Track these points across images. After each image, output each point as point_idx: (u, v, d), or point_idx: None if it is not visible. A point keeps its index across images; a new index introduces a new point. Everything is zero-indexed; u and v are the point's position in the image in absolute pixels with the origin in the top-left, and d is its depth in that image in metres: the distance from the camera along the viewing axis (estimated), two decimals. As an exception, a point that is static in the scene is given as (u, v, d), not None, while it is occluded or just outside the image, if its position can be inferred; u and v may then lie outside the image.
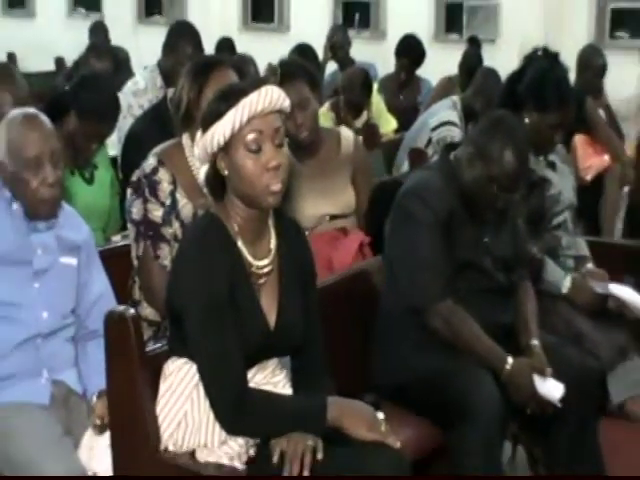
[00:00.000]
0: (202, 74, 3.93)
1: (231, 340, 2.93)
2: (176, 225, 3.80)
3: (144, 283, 3.86)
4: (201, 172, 3.07)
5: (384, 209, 4.18)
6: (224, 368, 2.93)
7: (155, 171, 3.84)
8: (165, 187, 3.81)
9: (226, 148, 2.92)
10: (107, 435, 3.15)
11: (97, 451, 3.20)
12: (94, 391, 3.39)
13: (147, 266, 3.81)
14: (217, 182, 3.00)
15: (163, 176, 3.82)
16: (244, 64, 6.40)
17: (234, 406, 2.92)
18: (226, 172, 2.95)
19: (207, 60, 4.30)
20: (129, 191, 3.90)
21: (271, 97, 2.91)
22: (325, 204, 4.57)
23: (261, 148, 2.89)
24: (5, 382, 3.36)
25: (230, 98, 2.92)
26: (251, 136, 2.88)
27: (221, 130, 2.89)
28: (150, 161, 3.87)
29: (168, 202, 3.81)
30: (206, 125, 2.95)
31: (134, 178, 3.89)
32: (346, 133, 4.95)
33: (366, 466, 2.90)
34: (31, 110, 3.50)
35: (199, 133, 3.01)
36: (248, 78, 4.68)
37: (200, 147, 3.00)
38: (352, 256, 4.44)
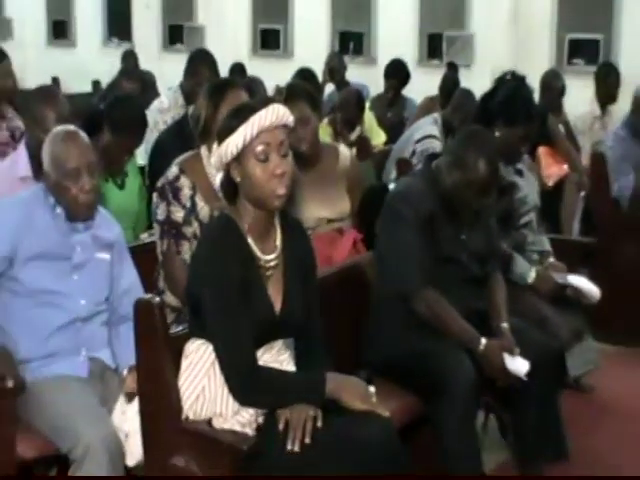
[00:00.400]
0: (218, 94, 4.00)
1: (242, 324, 2.99)
2: (195, 225, 3.86)
3: (167, 275, 3.93)
4: (217, 179, 3.16)
5: (374, 210, 4.25)
6: (236, 348, 3.00)
7: (177, 178, 3.91)
8: (186, 192, 3.88)
9: (238, 158, 3.00)
10: (135, 402, 3.21)
11: (128, 415, 3.25)
12: (125, 366, 3.47)
13: (170, 260, 3.88)
14: (230, 187, 3.08)
15: (184, 183, 3.90)
16: (254, 85, 6.38)
17: (245, 381, 3.00)
18: (238, 179, 3.03)
19: (222, 82, 4.37)
20: (155, 195, 3.97)
21: (277, 114, 2.99)
22: (323, 209, 4.58)
23: (269, 158, 2.97)
24: (50, 359, 3.43)
25: (242, 115, 3.00)
26: (260, 147, 2.97)
27: (234, 142, 2.97)
28: (173, 169, 3.95)
29: (188, 205, 3.87)
30: (221, 138, 3.03)
31: (159, 184, 3.96)
32: (344, 150, 4.97)
33: (359, 432, 2.97)
34: (71, 127, 3.57)
35: (215, 145, 3.09)
36: (257, 98, 4.75)
37: (216, 157, 3.08)
38: (348, 252, 4.47)
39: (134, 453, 3.21)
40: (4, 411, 3.32)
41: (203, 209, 3.89)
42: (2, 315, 3.47)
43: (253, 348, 3.06)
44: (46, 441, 3.34)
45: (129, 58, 9.91)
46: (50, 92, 4.97)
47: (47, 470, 3.84)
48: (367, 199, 4.74)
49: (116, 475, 3.24)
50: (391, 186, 5.17)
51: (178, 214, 3.89)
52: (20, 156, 4.63)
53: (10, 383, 3.28)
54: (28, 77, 9.30)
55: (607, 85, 7.41)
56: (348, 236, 4.59)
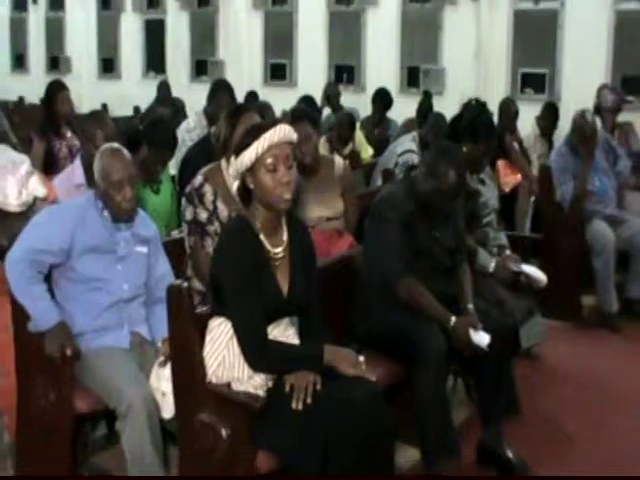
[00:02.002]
0: (235, 117, 3.98)
1: (255, 305, 2.99)
2: (216, 224, 3.84)
3: (194, 265, 3.91)
4: (234, 186, 3.12)
5: (363, 213, 4.35)
6: (250, 324, 3.00)
7: (202, 185, 3.89)
8: (209, 197, 3.86)
9: (252, 169, 2.99)
10: (168, 366, 3.21)
11: (163, 377, 3.24)
12: (160, 339, 3.45)
13: (196, 253, 3.87)
14: (245, 193, 3.06)
15: (207, 189, 3.88)
16: (265, 109, 6.28)
17: (257, 351, 3.00)
18: (252, 186, 3.02)
19: (238, 107, 4.33)
20: (184, 200, 3.96)
21: (284, 132, 2.99)
22: (322, 209, 4.58)
23: (277, 168, 2.96)
24: (99, 332, 3.44)
25: (255, 133, 3.00)
26: (269, 160, 2.96)
27: (248, 156, 2.97)
28: (198, 178, 3.93)
29: (211, 208, 3.85)
30: (237, 152, 3.02)
31: (187, 190, 3.94)
32: (338, 160, 4.97)
33: (351, 394, 2.97)
34: (116, 145, 3.55)
35: (233, 158, 3.08)
36: (267, 119, 4.77)
37: (233, 168, 3.08)
38: (343, 249, 4.44)
39: (169, 408, 3.21)
40: (64, 374, 3.33)
41: (223, 211, 3.86)
42: (62, 297, 3.45)
43: (264, 325, 3.05)
44: (97, 399, 3.34)
45: (163, 88, 9.89)
46: (100, 116, 5.13)
47: (95, 423, 3.87)
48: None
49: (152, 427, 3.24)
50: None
51: (203, 215, 3.87)
52: (76, 168, 4.65)
53: (69, 351, 3.30)
54: (83, 104, 9.32)
55: (548, 121, 7.45)
56: (345, 240, 4.57)
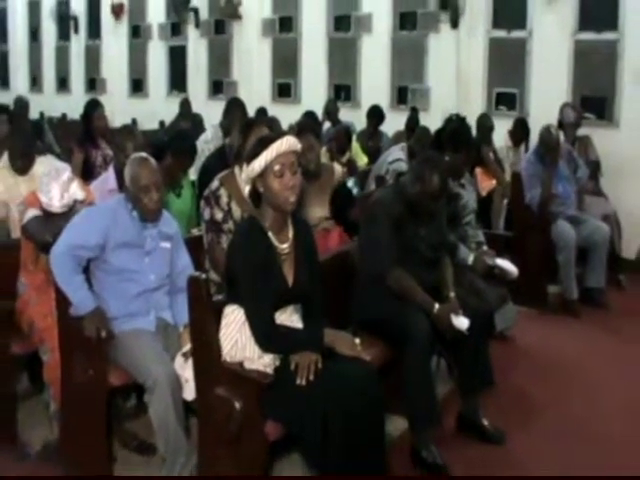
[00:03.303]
0: (246, 130, 4.01)
1: (264, 293, 2.97)
2: (230, 223, 3.84)
3: (211, 258, 3.91)
4: (246, 190, 3.10)
5: (342, 202, 4.55)
6: (260, 310, 2.99)
7: (218, 189, 3.90)
8: (224, 199, 3.87)
9: (261, 175, 2.97)
10: (190, 362, 3.16)
11: (186, 366, 3.20)
12: (181, 324, 3.45)
13: (213, 248, 3.87)
14: (256, 196, 3.04)
15: (223, 193, 3.89)
16: (273, 123, 6.38)
17: (266, 334, 2.99)
18: (261, 190, 3.00)
19: (249, 121, 4.35)
20: (202, 202, 3.96)
21: (289, 143, 2.97)
22: (322, 210, 4.55)
23: (283, 174, 2.94)
24: (129, 317, 3.42)
25: (264, 144, 2.98)
26: (277, 167, 2.94)
27: (258, 163, 2.95)
28: (215, 183, 3.94)
29: (226, 208, 3.86)
30: (249, 160, 3.00)
31: (205, 194, 3.96)
32: (338, 168, 4.97)
33: (348, 372, 2.96)
34: (144, 154, 3.53)
35: (245, 165, 3.05)
36: (275, 132, 4.77)
37: (245, 174, 3.05)
38: (337, 240, 4.48)
39: (190, 393, 3.18)
40: (100, 353, 3.32)
41: (236, 211, 3.86)
42: (97, 286, 3.44)
43: (272, 311, 3.03)
44: (128, 375, 3.33)
45: (185, 105, 9.85)
46: (130, 129, 5.09)
47: (127, 396, 3.89)
48: (337, 195, 4.68)
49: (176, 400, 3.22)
50: (354, 190, 5.37)
51: (219, 215, 3.87)
52: (109, 175, 4.62)
53: (104, 333, 3.29)
54: (116, 119, 9.24)
55: (519, 134, 7.41)
56: (334, 231, 4.55)
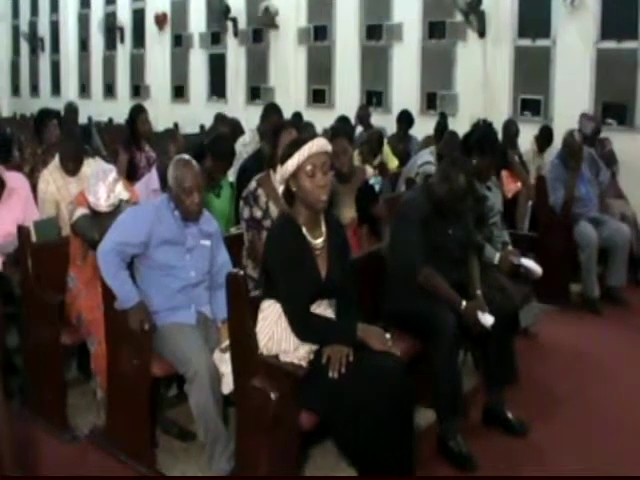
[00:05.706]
0: (275, 136, 4.05)
1: (299, 284, 2.94)
2: (268, 221, 3.87)
3: (254, 254, 3.93)
4: (280, 189, 3.09)
5: (366, 197, 4.54)
6: (296, 300, 2.96)
7: (256, 190, 3.94)
8: (262, 199, 3.91)
9: (295, 175, 2.95)
10: (227, 357, 3.15)
11: (223, 360, 3.20)
12: (220, 318, 3.44)
13: (255, 244, 3.91)
14: (290, 195, 3.02)
15: (261, 192, 3.92)
16: (307, 127, 6.32)
17: (302, 322, 2.97)
18: (295, 189, 2.97)
19: (277, 126, 4.39)
20: (241, 202, 4.01)
21: (320, 144, 2.94)
22: (354, 210, 4.52)
23: (315, 174, 2.92)
24: (171, 311, 3.42)
25: (296, 145, 2.96)
26: (309, 167, 2.92)
27: (291, 164, 2.93)
28: (253, 184, 3.98)
29: (264, 207, 3.91)
30: (283, 161, 2.98)
31: (244, 194, 3.99)
32: (369, 170, 4.99)
33: (378, 365, 2.92)
34: (186, 156, 3.52)
35: (279, 166, 3.03)
36: (308, 134, 4.80)
37: (279, 175, 3.04)
38: (352, 236, 4.29)
39: (228, 386, 3.17)
40: (143, 344, 3.33)
41: (274, 210, 3.88)
42: (141, 281, 3.44)
43: (307, 302, 3.00)
44: (169, 365, 3.34)
45: (218, 119, 9.77)
46: (172, 133, 5.13)
47: (168, 385, 3.90)
48: (360, 193, 4.66)
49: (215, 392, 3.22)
50: (376, 186, 5.32)
51: (258, 213, 3.91)
52: (153, 175, 4.65)
53: (147, 326, 3.30)
54: (159, 124, 9.32)
55: (544, 140, 7.34)
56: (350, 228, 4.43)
